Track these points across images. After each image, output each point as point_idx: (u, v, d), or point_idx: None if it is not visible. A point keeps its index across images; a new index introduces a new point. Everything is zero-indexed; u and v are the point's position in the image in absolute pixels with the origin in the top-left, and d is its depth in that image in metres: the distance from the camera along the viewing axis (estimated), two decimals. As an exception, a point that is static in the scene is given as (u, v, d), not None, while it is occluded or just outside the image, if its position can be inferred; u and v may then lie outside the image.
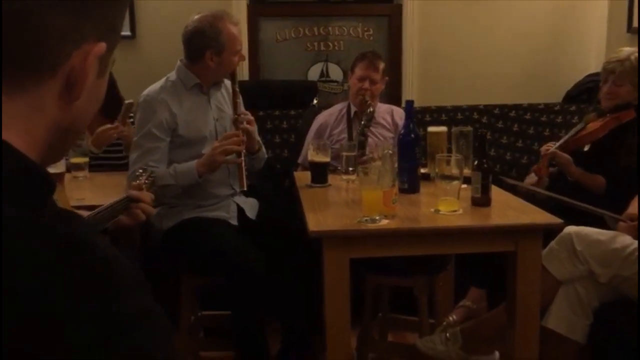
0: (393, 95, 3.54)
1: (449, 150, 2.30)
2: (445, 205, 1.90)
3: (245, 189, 2.37)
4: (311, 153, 2.42)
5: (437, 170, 1.96)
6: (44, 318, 0.45)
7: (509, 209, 1.95)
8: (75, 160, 2.58)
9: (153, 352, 0.49)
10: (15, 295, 0.45)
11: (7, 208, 0.50)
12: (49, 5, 0.53)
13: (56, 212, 0.54)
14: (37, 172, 0.55)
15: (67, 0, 0.54)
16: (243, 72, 3.40)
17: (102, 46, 0.57)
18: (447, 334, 2.17)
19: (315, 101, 3.40)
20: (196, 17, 2.40)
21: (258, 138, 2.51)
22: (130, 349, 0.47)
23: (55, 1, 0.54)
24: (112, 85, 2.68)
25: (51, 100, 0.56)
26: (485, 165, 1.94)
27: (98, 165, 2.80)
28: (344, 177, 2.45)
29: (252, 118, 2.42)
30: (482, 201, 1.94)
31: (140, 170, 1.91)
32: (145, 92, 2.38)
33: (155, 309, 0.51)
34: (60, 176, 2.28)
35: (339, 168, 2.53)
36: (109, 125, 2.61)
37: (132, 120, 2.88)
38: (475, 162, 1.98)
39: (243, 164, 2.34)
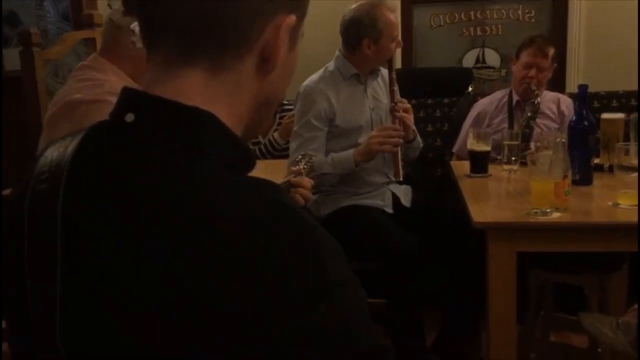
0: (556, 81, 3.31)
1: (626, 139, 2.11)
2: (626, 199, 1.74)
3: (401, 179, 2.35)
4: (471, 142, 2.34)
5: (615, 160, 1.80)
6: (262, 276, 0.47)
7: (702, 205, 1.74)
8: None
9: (352, 317, 0.50)
10: (234, 253, 0.48)
11: (225, 175, 0.53)
12: None
13: (262, 181, 0.55)
14: (243, 147, 0.58)
15: None
16: (396, 60, 3.37)
17: (292, 19, 0.58)
18: (619, 321, 1.98)
19: (470, 88, 3.29)
20: (353, 6, 2.42)
21: (413, 127, 2.48)
22: (332, 312, 0.48)
23: None
24: None
25: (249, 75, 0.58)
26: (675, 155, 1.75)
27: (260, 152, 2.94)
28: (505, 167, 2.35)
29: (409, 106, 2.39)
30: (669, 195, 1.75)
31: (300, 156, 1.96)
32: (305, 82, 2.44)
33: (354, 278, 0.52)
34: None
35: (498, 158, 2.43)
36: (292, 114, 2.67)
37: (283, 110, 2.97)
38: (663, 152, 1.80)
39: (399, 153, 2.32)
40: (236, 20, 0.55)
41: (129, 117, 0.55)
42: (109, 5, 1.47)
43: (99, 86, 1.52)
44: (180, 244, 0.48)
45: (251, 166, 0.60)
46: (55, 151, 0.60)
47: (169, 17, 0.55)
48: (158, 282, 0.48)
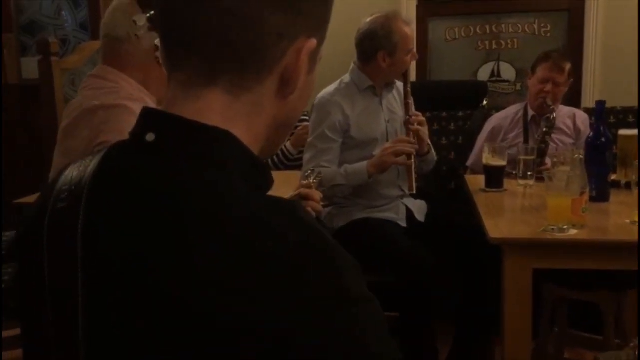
0: (571, 95, 3.30)
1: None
2: (644, 217, 1.73)
3: (414, 192, 2.34)
4: (486, 156, 2.33)
5: (633, 177, 1.79)
6: (274, 290, 0.48)
7: None
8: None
9: (368, 333, 0.50)
10: (247, 267, 0.48)
11: (241, 192, 0.53)
12: (265, 4, 0.55)
13: (278, 198, 0.56)
14: (260, 165, 0.59)
15: None
16: (411, 73, 3.37)
17: (313, 42, 0.58)
18: (637, 353, 1.96)
19: (485, 102, 3.28)
20: (369, 19, 2.43)
21: (428, 140, 2.48)
22: (349, 325, 0.49)
23: (271, 0, 0.55)
24: None
25: (269, 97, 0.59)
26: (694, 173, 1.74)
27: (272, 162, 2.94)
28: (521, 182, 2.34)
29: (423, 119, 2.39)
30: (689, 213, 1.73)
31: (310, 171, 1.96)
32: (320, 94, 2.45)
33: (371, 297, 0.52)
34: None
35: (513, 172, 2.42)
36: (306, 124, 2.67)
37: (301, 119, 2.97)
38: (682, 170, 1.78)
39: (413, 166, 2.31)
40: (259, 43, 0.55)
41: (150, 137, 0.55)
42: (134, 21, 1.48)
43: (114, 92, 1.52)
44: (190, 260, 0.49)
45: (269, 184, 0.60)
46: (75, 170, 0.61)
47: (193, 39, 0.56)
48: (166, 295, 0.49)
